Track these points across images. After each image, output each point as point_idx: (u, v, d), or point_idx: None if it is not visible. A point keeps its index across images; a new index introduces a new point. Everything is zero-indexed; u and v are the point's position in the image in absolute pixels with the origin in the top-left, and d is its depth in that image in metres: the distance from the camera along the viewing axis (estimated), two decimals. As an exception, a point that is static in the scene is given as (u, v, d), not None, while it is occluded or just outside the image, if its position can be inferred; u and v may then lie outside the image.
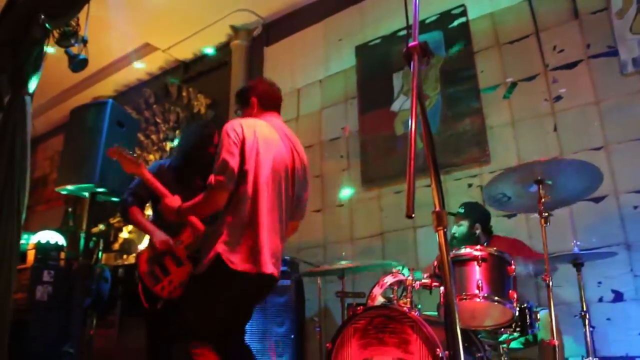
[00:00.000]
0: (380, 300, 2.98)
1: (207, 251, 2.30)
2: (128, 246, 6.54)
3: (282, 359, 3.95)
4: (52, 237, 5.72)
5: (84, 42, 4.32)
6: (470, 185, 4.11)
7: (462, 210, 3.51)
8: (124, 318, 5.79)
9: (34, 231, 5.97)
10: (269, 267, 2.27)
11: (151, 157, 6.76)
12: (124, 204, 3.19)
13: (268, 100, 2.66)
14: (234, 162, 2.27)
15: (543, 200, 2.65)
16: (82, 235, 4.42)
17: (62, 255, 5.52)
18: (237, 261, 2.21)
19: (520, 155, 3.93)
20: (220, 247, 2.24)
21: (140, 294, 2.93)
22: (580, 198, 3.33)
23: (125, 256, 6.46)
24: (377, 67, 4.92)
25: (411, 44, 1.53)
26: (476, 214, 3.50)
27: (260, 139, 2.36)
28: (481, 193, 3.87)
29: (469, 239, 3.39)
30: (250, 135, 2.35)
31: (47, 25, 3.82)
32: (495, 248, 2.74)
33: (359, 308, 2.81)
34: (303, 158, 2.61)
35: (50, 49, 3.99)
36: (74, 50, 4.32)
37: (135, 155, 2.91)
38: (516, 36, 4.19)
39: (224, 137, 2.34)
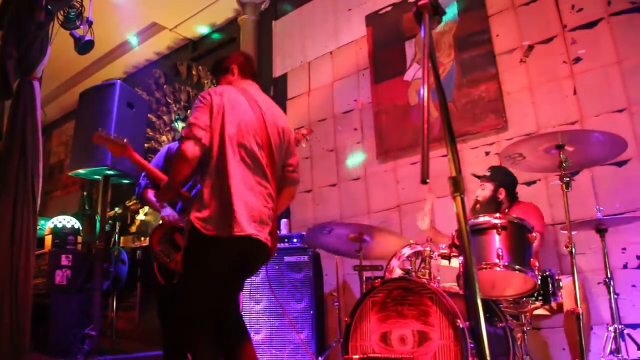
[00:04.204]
0: (398, 272, 2.94)
1: (187, 218, 2.33)
2: (145, 228, 6.57)
3: (302, 334, 3.95)
4: (68, 221, 5.76)
5: (89, 23, 4.28)
6: (487, 153, 4.01)
7: (487, 173, 3.37)
8: (145, 299, 5.85)
9: (52, 217, 6.02)
10: (247, 229, 2.23)
11: (164, 138, 6.75)
12: (138, 188, 3.37)
13: (247, 68, 2.71)
14: (204, 119, 2.30)
15: (564, 165, 2.56)
16: (98, 218, 4.42)
17: (79, 239, 5.56)
18: (211, 226, 2.21)
19: (539, 121, 3.81)
20: (193, 215, 2.25)
21: (156, 272, 3.01)
22: (603, 163, 3.23)
23: (142, 238, 6.50)
24: (388, 35, 4.80)
25: (421, 1, 1.45)
26: (502, 178, 3.35)
27: (226, 104, 2.37)
28: (499, 161, 3.77)
29: (492, 203, 3.28)
30: (217, 100, 2.36)
31: (49, 7, 3.77)
32: (515, 215, 2.67)
33: (376, 281, 2.77)
34: (279, 123, 2.55)
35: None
36: (80, 32, 4.27)
37: (121, 138, 2.87)
38: (532, -4, 4.03)
39: (196, 103, 2.39)
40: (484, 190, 3.35)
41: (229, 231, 2.20)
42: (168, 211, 3.11)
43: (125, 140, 2.89)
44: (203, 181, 2.33)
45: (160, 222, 3.15)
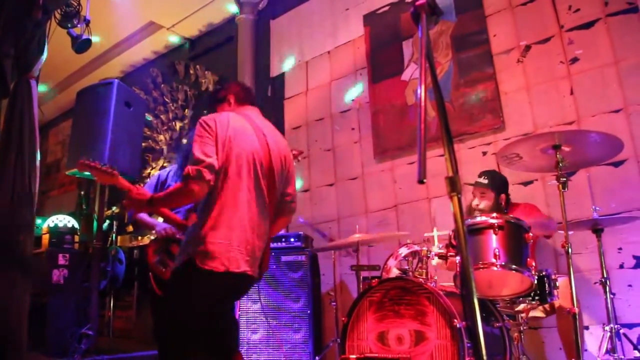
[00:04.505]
0: (395, 272, 2.94)
1: (182, 248, 2.25)
2: (142, 227, 6.57)
3: (299, 334, 3.95)
4: (65, 220, 5.76)
5: (87, 22, 4.27)
6: (484, 154, 4.01)
7: (485, 181, 3.30)
8: (142, 299, 5.84)
9: (49, 216, 6.01)
10: (241, 265, 2.17)
11: (161, 137, 6.74)
12: (129, 213, 3.28)
13: (244, 97, 2.62)
14: (213, 155, 2.19)
15: (561, 165, 2.56)
16: (95, 218, 4.42)
17: (76, 238, 5.56)
18: (207, 260, 2.12)
19: (536, 121, 3.82)
20: (192, 246, 2.17)
21: (152, 283, 2.99)
22: (599, 163, 3.24)
23: (139, 237, 6.49)
24: (386, 35, 4.80)
25: (419, 2, 1.45)
26: (500, 183, 3.32)
27: (231, 134, 2.27)
28: (496, 161, 3.78)
29: (496, 211, 3.19)
30: (222, 130, 2.26)
31: (47, 6, 3.76)
32: (511, 215, 2.67)
33: (373, 281, 2.77)
34: (281, 151, 2.47)
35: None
36: (77, 31, 4.26)
37: (110, 166, 2.69)
38: (529, -3, 4.04)
39: (199, 130, 2.26)
40: (484, 200, 3.29)
41: (225, 267, 2.12)
42: (163, 225, 3.10)
43: (114, 169, 2.67)
44: (204, 212, 2.24)
45: (156, 235, 3.14)
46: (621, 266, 3.34)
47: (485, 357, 1.17)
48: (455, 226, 1.24)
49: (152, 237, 3.21)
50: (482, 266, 2.51)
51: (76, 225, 5.97)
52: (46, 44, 3.84)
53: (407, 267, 2.88)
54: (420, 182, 1.14)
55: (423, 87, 1.30)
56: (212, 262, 2.12)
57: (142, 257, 5.81)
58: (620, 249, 3.35)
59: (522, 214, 3.06)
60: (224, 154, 2.22)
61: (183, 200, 2.25)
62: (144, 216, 3.30)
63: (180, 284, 2.22)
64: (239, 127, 2.33)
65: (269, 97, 5.55)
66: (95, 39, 4.30)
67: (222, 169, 2.21)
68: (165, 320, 2.28)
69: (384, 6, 4.89)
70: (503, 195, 3.30)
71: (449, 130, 1.31)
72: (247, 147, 2.30)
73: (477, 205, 3.30)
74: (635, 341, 3.05)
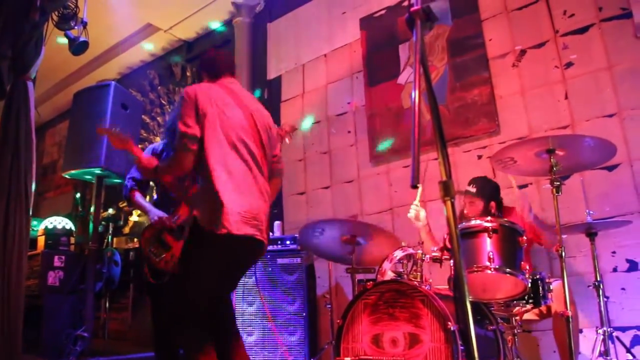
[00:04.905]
0: (390, 275, 2.95)
1: (188, 217, 2.47)
2: (138, 229, 6.56)
3: (294, 336, 3.96)
4: (61, 222, 5.75)
5: (84, 24, 4.27)
6: (480, 157, 4.03)
7: (473, 190, 3.27)
8: (137, 301, 5.84)
9: (45, 218, 6.01)
10: (242, 228, 2.29)
11: (157, 139, 6.73)
12: (125, 189, 3.41)
13: (214, 68, 2.74)
14: (193, 124, 2.36)
15: (555, 169, 2.58)
16: (91, 219, 4.42)
17: (72, 240, 5.55)
18: (209, 223, 2.27)
19: (531, 125, 3.84)
20: (195, 212, 2.35)
21: (146, 272, 3.03)
22: (593, 167, 3.27)
23: (135, 239, 6.48)
24: (382, 39, 4.82)
25: (413, 8, 1.46)
26: (489, 191, 3.29)
27: (212, 104, 2.42)
28: (491, 165, 3.80)
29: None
30: (203, 98, 2.41)
31: (44, 7, 3.77)
32: (505, 219, 2.69)
33: (368, 283, 2.78)
34: (264, 118, 2.67)
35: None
36: (74, 33, 4.27)
37: (125, 134, 2.88)
38: (525, 2, 4.06)
39: (181, 101, 2.43)
40: (473, 207, 3.27)
41: (227, 229, 2.24)
42: (157, 212, 3.15)
43: (128, 136, 2.87)
44: (201, 181, 2.40)
45: (151, 222, 3.17)
46: (615, 269, 3.36)
47: (477, 360, 1.18)
48: (448, 230, 1.26)
49: (148, 225, 3.24)
50: (476, 269, 2.53)
51: (72, 227, 5.97)
52: (43, 45, 3.85)
53: (402, 270, 2.89)
54: (414, 186, 1.15)
55: (417, 92, 1.32)
56: (212, 225, 2.25)
57: (138, 259, 5.81)
58: (613, 252, 3.37)
59: (516, 218, 3.08)
60: (207, 122, 2.37)
61: (176, 169, 2.48)
62: (139, 199, 3.38)
63: (188, 249, 2.37)
64: (221, 100, 2.47)
65: (266, 100, 5.56)
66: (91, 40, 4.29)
67: (205, 138, 2.36)
68: (163, 305, 2.37)
69: (380, 10, 4.90)
70: (493, 203, 3.26)
71: (442, 134, 1.33)
72: (230, 115, 2.45)
73: (467, 213, 3.31)
74: (628, 344, 3.07)
